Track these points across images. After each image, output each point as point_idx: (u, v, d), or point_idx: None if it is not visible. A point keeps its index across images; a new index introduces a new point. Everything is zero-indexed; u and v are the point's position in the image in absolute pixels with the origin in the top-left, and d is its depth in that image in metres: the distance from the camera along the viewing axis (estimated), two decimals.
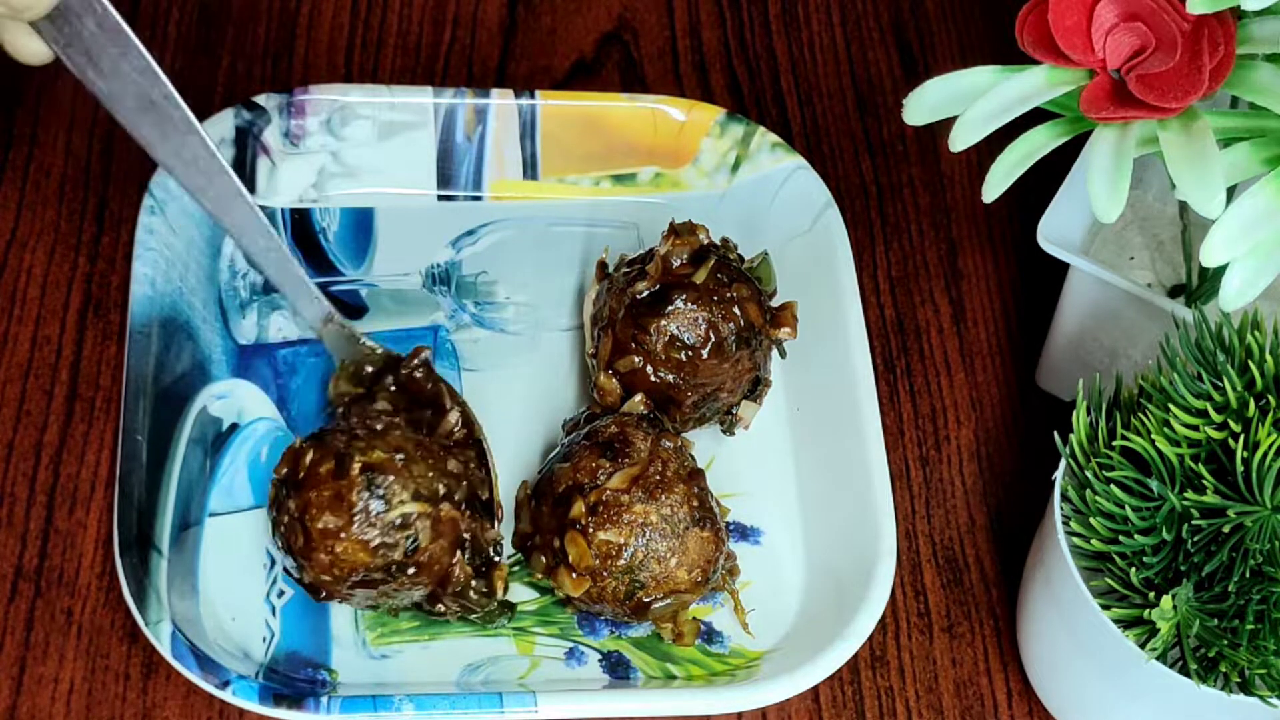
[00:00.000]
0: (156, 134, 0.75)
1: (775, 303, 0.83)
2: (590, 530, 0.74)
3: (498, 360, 0.85)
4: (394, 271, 0.88)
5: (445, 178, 0.91)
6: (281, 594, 0.77)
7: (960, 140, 0.69)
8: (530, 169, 0.91)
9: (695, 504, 0.75)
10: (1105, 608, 0.69)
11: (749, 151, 0.90)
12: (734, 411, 0.82)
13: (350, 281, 0.87)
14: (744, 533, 0.81)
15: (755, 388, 0.82)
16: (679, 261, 0.80)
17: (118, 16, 0.71)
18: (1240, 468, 0.65)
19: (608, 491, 0.75)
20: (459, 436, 0.77)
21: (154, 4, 0.98)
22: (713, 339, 0.79)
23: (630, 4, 1.01)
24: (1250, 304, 0.67)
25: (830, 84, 0.98)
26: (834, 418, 0.82)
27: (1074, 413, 0.71)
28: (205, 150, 0.76)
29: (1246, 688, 0.68)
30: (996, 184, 0.70)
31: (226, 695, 0.71)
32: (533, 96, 0.90)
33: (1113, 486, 0.68)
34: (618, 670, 0.77)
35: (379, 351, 0.81)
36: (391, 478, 0.72)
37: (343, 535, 0.72)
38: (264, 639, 0.76)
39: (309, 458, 0.73)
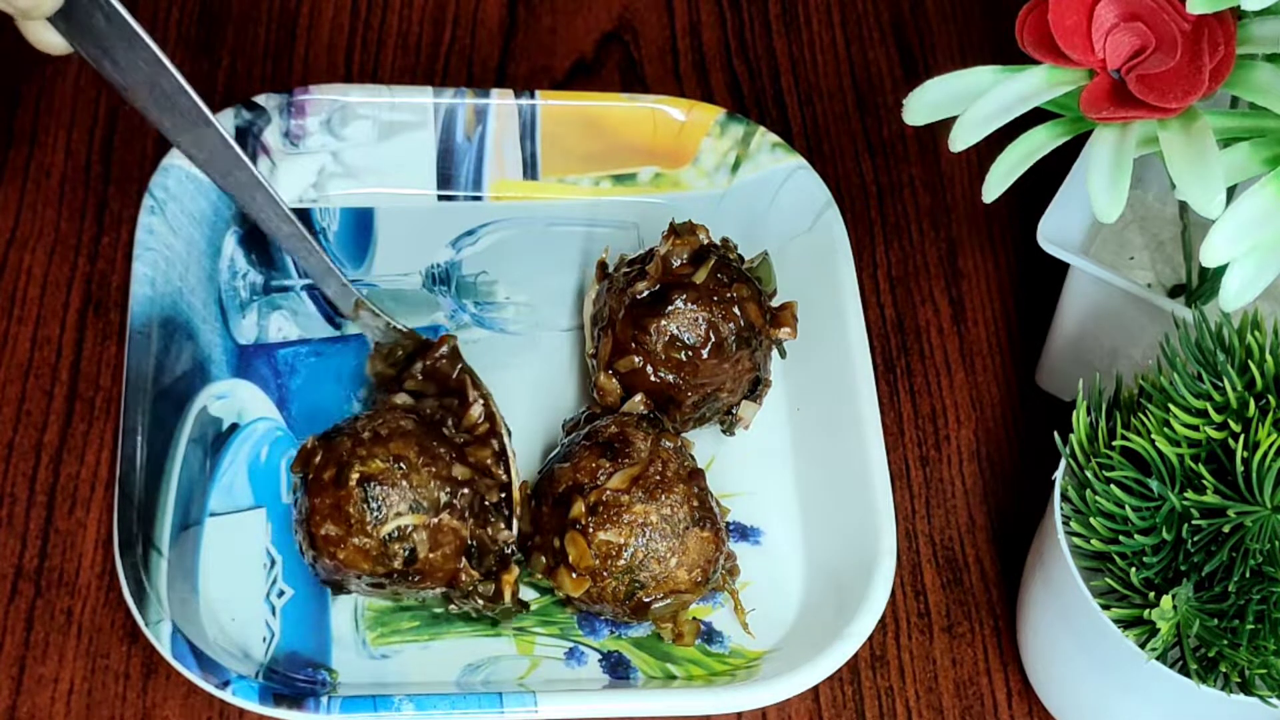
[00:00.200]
0: (174, 125, 0.75)
1: (775, 303, 0.83)
2: (590, 530, 0.74)
3: (498, 360, 0.85)
4: (394, 271, 0.88)
5: (445, 178, 0.91)
6: (281, 594, 0.77)
7: (960, 140, 0.69)
8: (530, 169, 0.91)
9: (695, 504, 0.75)
10: (1105, 608, 0.69)
11: (749, 151, 0.90)
12: (734, 411, 0.82)
13: (350, 281, 0.87)
14: (744, 533, 0.81)
15: (755, 388, 0.82)
16: (679, 261, 0.80)
17: (125, 12, 0.71)
18: (1240, 468, 0.65)
19: (608, 491, 0.75)
20: (482, 430, 0.77)
21: (154, 4, 0.98)
22: (713, 339, 0.79)
23: (630, 4, 1.01)
24: (1250, 304, 0.67)
25: (830, 84, 0.98)
26: (834, 418, 0.82)
27: (1074, 413, 0.71)
28: (221, 141, 0.76)
29: (1246, 688, 0.68)
30: (996, 184, 0.70)
31: (226, 695, 0.71)
32: (533, 96, 0.90)
33: (1113, 486, 0.68)
34: (618, 670, 0.77)
35: (408, 337, 0.82)
36: (388, 489, 0.73)
37: (343, 544, 0.73)
38: (264, 639, 0.76)
39: (317, 460, 0.74)
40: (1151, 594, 0.68)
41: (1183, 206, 0.79)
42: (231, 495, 0.80)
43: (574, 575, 0.75)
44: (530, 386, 0.84)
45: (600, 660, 0.77)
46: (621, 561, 0.74)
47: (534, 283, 0.88)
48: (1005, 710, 0.78)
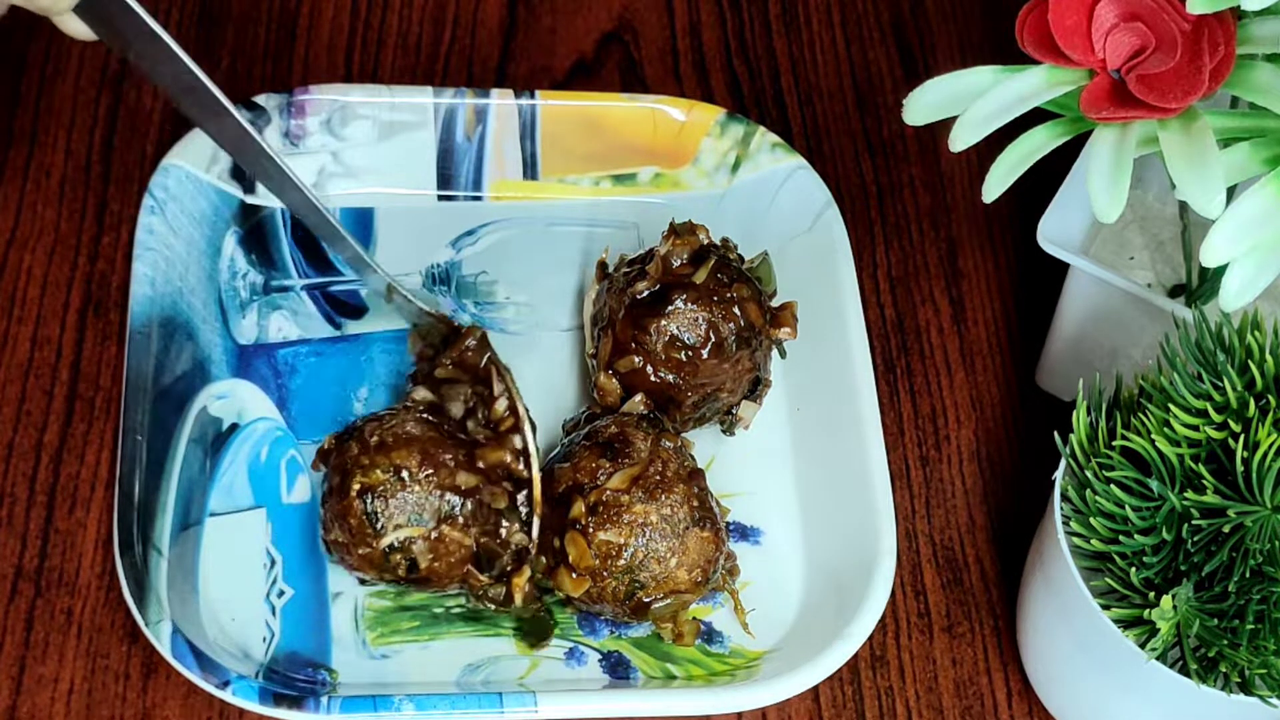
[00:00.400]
0: (199, 114, 0.75)
1: (775, 303, 0.83)
2: (590, 530, 0.74)
3: None
4: (394, 271, 0.87)
5: (445, 178, 0.91)
6: (281, 594, 0.77)
7: (960, 140, 0.69)
8: (530, 169, 0.91)
9: (695, 504, 0.75)
10: (1105, 608, 0.69)
11: (749, 151, 0.90)
12: (734, 411, 0.82)
13: (350, 281, 0.87)
14: (744, 533, 0.81)
15: (755, 388, 0.82)
16: (679, 261, 0.80)
17: (142, 11, 0.71)
18: (1240, 468, 0.65)
19: (608, 491, 0.75)
20: (507, 426, 0.77)
21: (154, 4, 0.98)
22: (713, 339, 0.79)
23: (630, 4, 1.01)
24: (1250, 304, 0.67)
25: (830, 84, 0.98)
26: (834, 418, 0.82)
27: (1074, 413, 0.71)
28: (242, 130, 0.76)
29: (1246, 688, 0.68)
30: (996, 184, 0.70)
31: (226, 695, 0.71)
32: (533, 96, 0.90)
33: (1113, 486, 0.68)
34: (618, 670, 0.77)
35: (441, 321, 0.82)
36: (386, 502, 0.73)
37: (349, 550, 0.74)
38: (264, 639, 0.76)
39: (331, 461, 0.75)
40: (1151, 594, 0.68)
41: (1183, 206, 0.79)
42: (231, 495, 0.80)
43: (574, 575, 0.75)
44: (530, 386, 0.84)
45: (600, 660, 0.77)
46: (621, 561, 0.74)
47: (534, 283, 0.88)
48: (1005, 710, 0.78)
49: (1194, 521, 0.66)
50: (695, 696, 0.73)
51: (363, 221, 0.89)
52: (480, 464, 0.75)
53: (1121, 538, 0.68)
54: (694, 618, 0.77)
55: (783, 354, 0.84)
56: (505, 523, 0.75)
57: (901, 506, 0.83)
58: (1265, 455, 0.65)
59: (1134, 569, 0.68)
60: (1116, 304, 0.79)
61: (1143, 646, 0.68)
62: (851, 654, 0.74)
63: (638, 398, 0.79)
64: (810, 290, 0.85)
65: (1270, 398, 0.67)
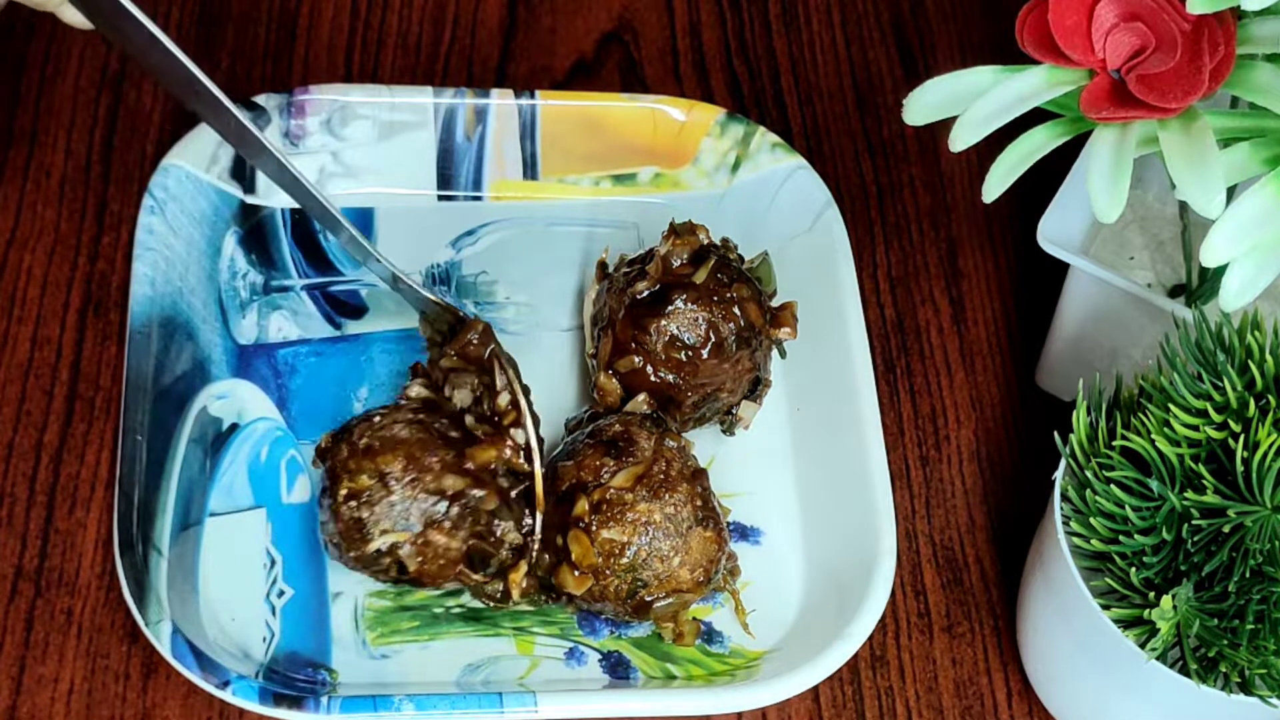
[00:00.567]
0: (200, 109, 0.75)
1: (775, 303, 0.83)
2: (593, 528, 0.74)
3: None
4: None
5: (445, 178, 0.91)
6: (281, 594, 0.77)
7: (960, 140, 0.69)
8: (530, 169, 0.91)
9: (698, 503, 0.76)
10: (1105, 608, 0.69)
11: (749, 151, 0.90)
12: (734, 411, 0.82)
13: (350, 281, 0.87)
14: (744, 533, 0.81)
15: (755, 388, 0.82)
16: (679, 261, 0.80)
17: (132, 7, 0.71)
18: (1240, 468, 0.65)
19: (611, 490, 0.75)
20: (510, 419, 0.77)
21: (154, 4, 0.98)
22: (713, 339, 0.79)
23: (630, 4, 1.01)
24: (1250, 304, 0.67)
25: (830, 84, 0.98)
26: (834, 418, 0.82)
27: (1074, 413, 0.71)
28: (243, 126, 0.75)
29: (1246, 688, 0.68)
30: (996, 184, 0.70)
31: (226, 695, 0.71)
32: (533, 96, 0.90)
33: (1113, 486, 0.68)
34: (618, 670, 0.77)
35: (447, 310, 0.81)
36: (371, 508, 0.73)
37: (343, 550, 0.74)
38: (264, 639, 0.76)
39: (326, 463, 0.75)
40: (1151, 594, 0.68)
41: (1183, 206, 0.79)
42: (231, 495, 0.80)
43: (577, 573, 0.75)
44: (531, 386, 0.84)
45: (600, 660, 0.77)
46: (624, 560, 0.74)
47: (534, 283, 0.88)
48: (1005, 710, 0.78)
49: (1194, 521, 0.66)
50: (695, 696, 0.73)
51: (363, 221, 0.89)
52: (470, 464, 0.75)
53: (1121, 538, 0.68)
54: (694, 618, 0.77)
55: (783, 354, 0.84)
56: (499, 521, 0.75)
57: (901, 506, 0.83)
58: (1265, 455, 0.65)
59: (1134, 569, 0.68)
60: (1116, 304, 0.79)
61: (1143, 646, 0.68)
62: (851, 654, 0.74)
63: (641, 397, 0.79)
64: (810, 290, 0.85)
65: (1270, 398, 0.67)
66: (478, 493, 0.74)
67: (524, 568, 0.75)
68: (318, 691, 0.73)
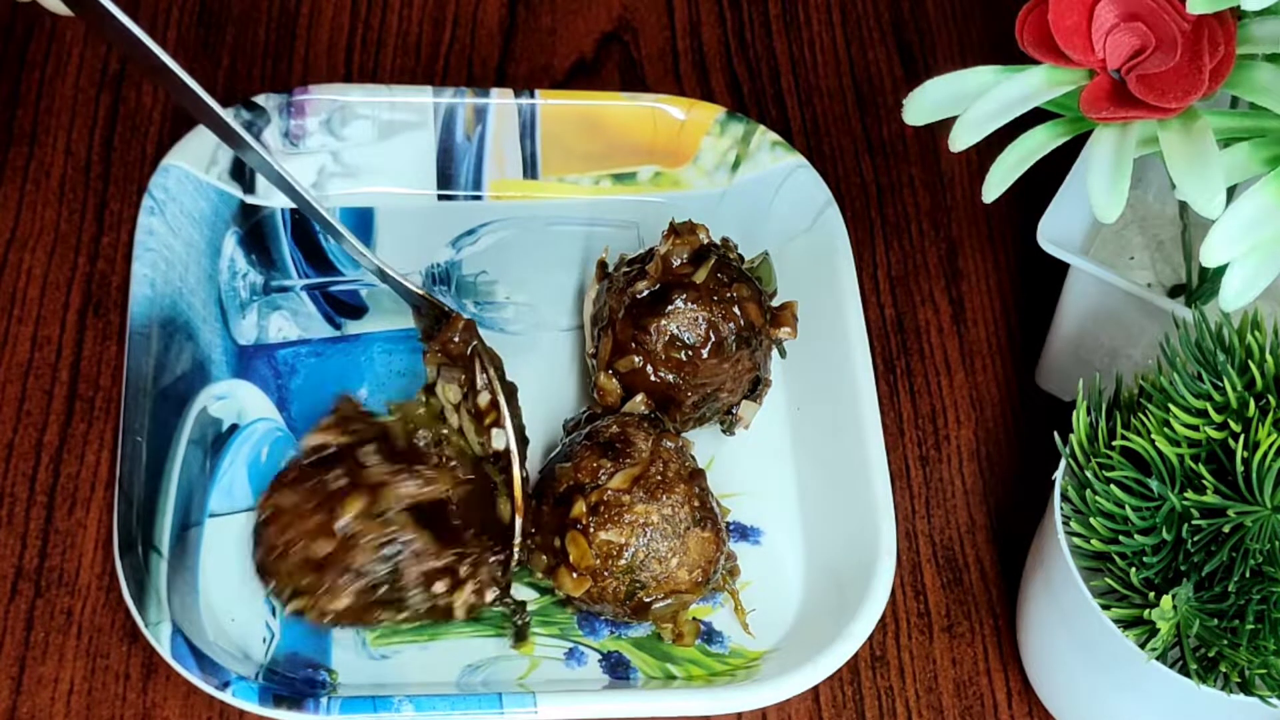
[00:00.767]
0: (186, 103, 0.74)
1: (775, 302, 0.83)
2: (591, 530, 0.74)
3: None
4: (394, 271, 0.88)
5: (445, 177, 0.91)
6: None
7: (960, 140, 0.69)
8: (530, 168, 0.91)
9: (696, 504, 0.75)
10: (1105, 608, 0.69)
11: (749, 150, 0.90)
12: (734, 411, 0.82)
13: (350, 281, 0.87)
14: (744, 533, 0.81)
15: (755, 388, 0.82)
16: (679, 261, 0.80)
17: (114, 9, 0.71)
18: (1240, 468, 0.65)
19: (609, 491, 0.75)
20: (491, 419, 0.76)
21: (154, 4, 0.98)
22: (713, 339, 0.79)
23: (630, 4, 1.01)
24: (1250, 304, 0.67)
25: (830, 84, 0.98)
26: (834, 418, 0.82)
27: (1074, 413, 0.71)
28: (225, 122, 0.75)
29: (1246, 688, 0.68)
30: (996, 184, 0.69)
31: (226, 696, 0.71)
32: (532, 96, 0.90)
33: (1113, 486, 0.68)
34: (618, 670, 0.77)
35: (432, 305, 0.80)
36: (275, 578, 0.73)
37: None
38: (264, 639, 0.76)
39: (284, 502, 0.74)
40: (1151, 594, 0.68)
41: (1183, 206, 0.79)
42: (231, 496, 0.80)
43: (575, 575, 0.75)
44: (530, 386, 0.84)
45: (600, 660, 0.77)
46: (622, 561, 0.74)
47: (534, 283, 0.88)
48: (1005, 710, 0.78)
49: (1194, 521, 0.66)
50: (695, 696, 0.73)
51: (363, 221, 0.89)
52: (341, 520, 0.72)
53: (1121, 538, 0.68)
54: (694, 618, 0.77)
55: (783, 354, 0.84)
56: (402, 562, 0.72)
57: (901, 506, 0.83)
58: (1265, 455, 0.65)
59: (1134, 569, 0.68)
60: (1116, 304, 0.79)
61: (1143, 646, 0.68)
62: (851, 654, 0.74)
63: (639, 397, 0.79)
64: (810, 290, 0.85)
65: (1270, 398, 0.67)
66: (352, 550, 0.72)
67: (467, 590, 0.74)
68: (317, 692, 0.73)
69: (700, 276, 0.79)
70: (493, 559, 0.74)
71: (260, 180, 0.88)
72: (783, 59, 0.99)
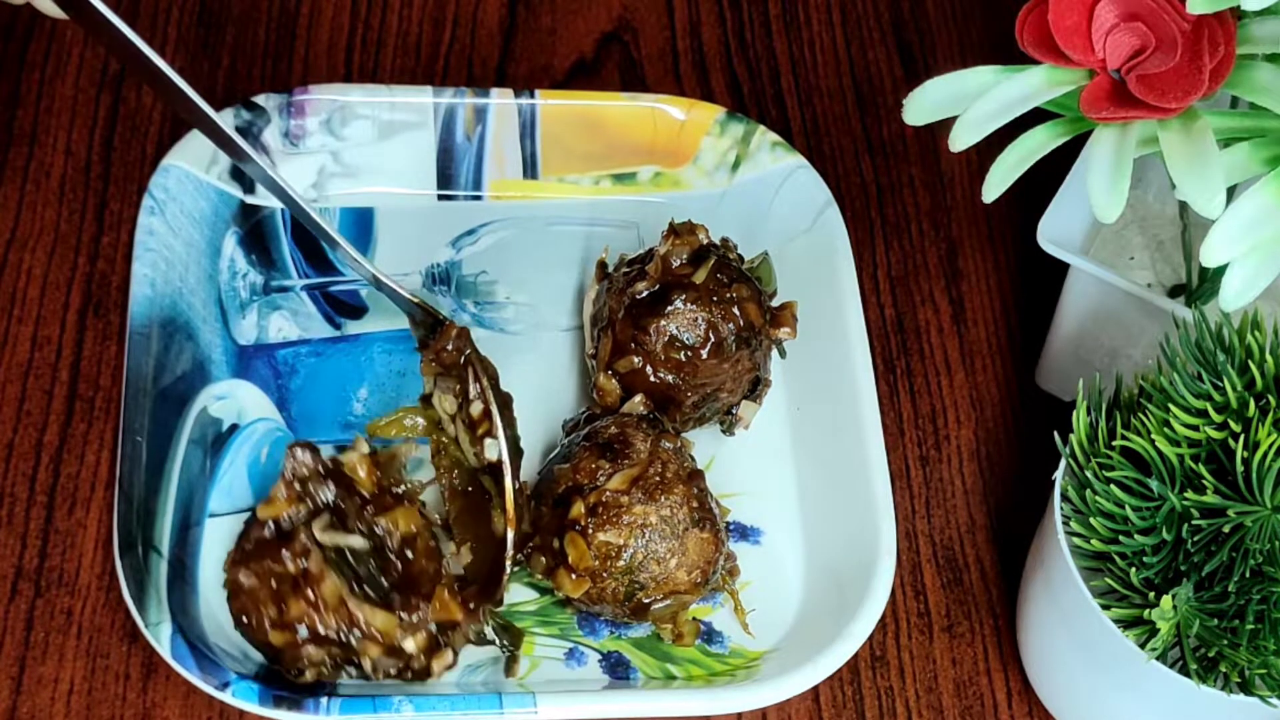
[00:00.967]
0: (180, 109, 0.73)
1: (775, 303, 0.83)
2: (590, 531, 0.74)
3: (497, 360, 0.84)
4: (394, 271, 0.87)
5: (445, 177, 0.91)
6: None
7: (960, 140, 0.69)
8: (530, 168, 0.91)
9: (695, 505, 0.75)
10: (1105, 608, 0.69)
11: (749, 150, 0.90)
12: (734, 411, 0.82)
13: (350, 281, 0.87)
14: (744, 533, 0.81)
15: (755, 388, 0.82)
16: (679, 261, 0.80)
17: (109, 13, 0.70)
18: (1240, 468, 0.65)
19: (607, 492, 0.75)
20: (482, 431, 0.76)
21: (154, 4, 0.98)
22: (712, 339, 0.79)
23: (630, 4, 1.01)
24: (1250, 304, 0.67)
25: (830, 84, 0.98)
26: (834, 418, 0.82)
27: (1074, 413, 0.71)
28: (218, 125, 0.74)
29: (1246, 688, 0.68)
30: (996, 184, 0.70)
31: (226, 696, 0.70)
32: (532, 96, 0.90)
33: (1113, 486, 0.68)
34: (618, 671, 0.77)
35: (426, 312, 0.79)
36: (252, 633, 0.73)
37: None
38: None
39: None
40: (1151, 594, 0.68)
41: (1183, 206, 0.79)
42: (231, 496, 0.80)
43: (574, 576, 0.74)
44: (530, 387, 0.84)
45: (600, 660, 0.77)
46: (621, 562, 0.74)
47: (534, 283, 0.88)
48: (1005, 710, 0.78)
49: (1194, 521, 0.66)
50: (695, 696, 0.73)
51: (363, 221, 0.89)
52: (290, 613, 0.72)
53: (1121, 538, 0.68)
54: (694, 618, 0.77)
55: (783, 354, 0.84)
56: (357, 640, 0.72)
57: (901, 506, 0.83)
58: (1265, 455, 0.65)
59: (1134, 569, 0.68)
60: (1116, 304, 0.79)
61: (1143, 646, 0.68)
62: (851, 654, 0.74)
63: (637, 398, 0.79)
64: (810, 290, 0.85)
65: (1270, 398, 0.67)
66: (306, 648, 0.72)
67: (447, 656, 0.73)
68: (317, 692, 0.73)
69: (700, 277, 0.79)
70: (464, 619, 0.74)
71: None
72: (783, 59, 0.99)
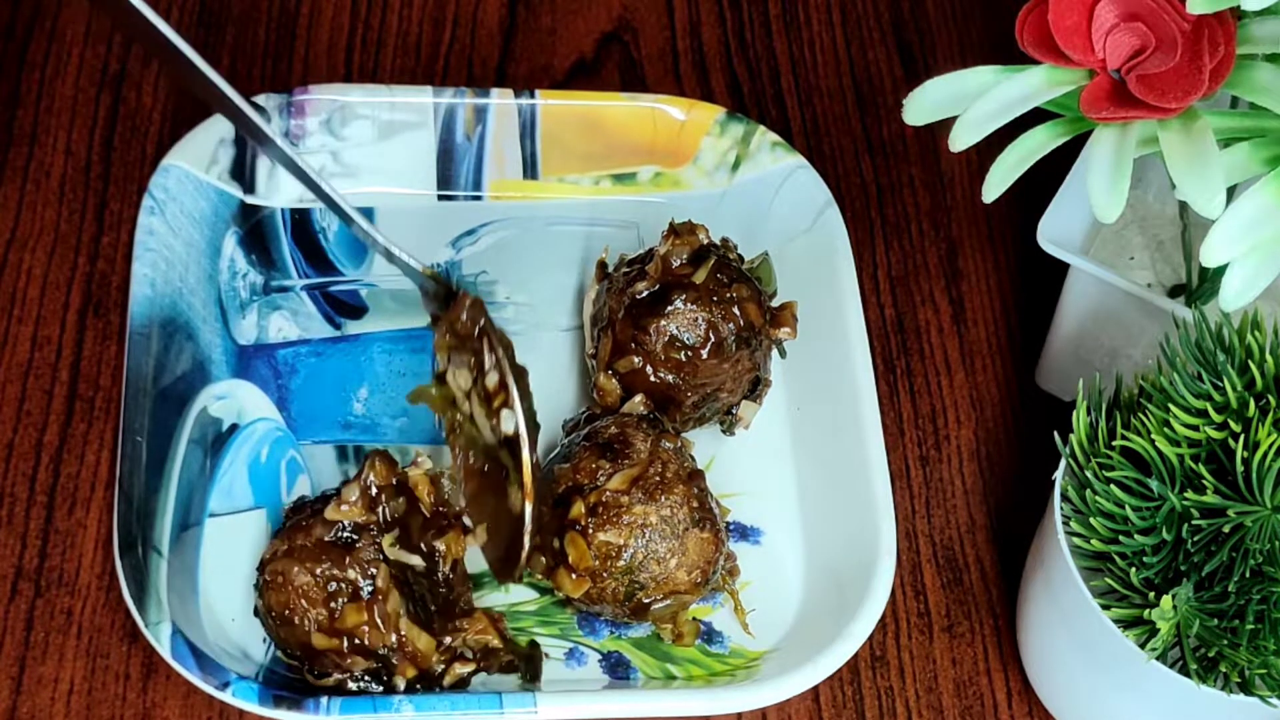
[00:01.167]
0: (195, 88, 0.72)
1: (775, 303, 0.83)
2: (590, 531, 0.74)
3: None
4: (394, 271, 0.87)
5: (445, 177, 0.91)
6: None
7: (960, 140, 0.69)
8: (530, 168, 0.91)
9: (695, 505, 0.75)
10: (1105, 608, 0.69)
11: (749, 150, 0.90)
12: (734, 411, 0.82)
13: (350, 281, 0.87)
14: (744, 533, 0.81)
15: (755, 388, 0.82)
16: (679, 261, 0.80)
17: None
18: (1240, 468, 0.65)
19: (607, 492, 0.75)
20: (499, 403, 0.75)
21: (154, 4, 0.98)
22: (712, 339, 0.79)
23: (630, 4, 1.01)
24: (1250, 304, 0.67)
25: (830, 84, 0.98)
26: (834, 418, 0.82)
27: (1074, 413, 0.71)
28: (236, 105, 0.73)
29: (1246, 688, 0.68)
30: (996, 184, 0.70)
31: (226, 696, 0.70)
32: (532, 96, 0.90)
33: (1113, 486, 0.68)
34: (618, 671, 0.77)
35: (437, 281, 0.77)
36: (279, 621, 0.72)
37: None
38: (264, 640, 0.76)
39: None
40: (1151, 594, 0.68)
41: (1183, 206, 0.79)
42: (231, 496, 0.80)
43: (574, 576, 0.74)
44: (529, 377, 0.84)
45: (600, 660, 0.77)
46: (621, 562, 0.74)
47: (534, 283, 0.88)
48: (1005, 710, 0.78)
49: (1194, 521, 0.66)
50: (695, 696, 0.73)
51: None
52: (345, 623, 0.72)
53: (1121, 538, 0.68)
54: (694, 618, 0.77)
55: (783, 354, 0.84)
56: (392, 660, 0.73)
57: (901, 506, 0.83)
58: (1265, 455, 0.65)
59: (1134, 569, 0.68)
60: (1116, 304, 0.79)
61: (1143, 646, 0.68)
62: (851, 654, 0.74)
63: (638, 398, 0.79)
64: (810, 290, 0.85)
65: (1270, 398, 0.67)
66: (346, 656, 0.72)
67: (456, 668, 0.74)
68: (317, 692, 0.73)
69: (700, 277, 0.79)
70: (501, 646, 0.74)
71: (260, 180, 0.88)
72: (783, 59, 0.99)
